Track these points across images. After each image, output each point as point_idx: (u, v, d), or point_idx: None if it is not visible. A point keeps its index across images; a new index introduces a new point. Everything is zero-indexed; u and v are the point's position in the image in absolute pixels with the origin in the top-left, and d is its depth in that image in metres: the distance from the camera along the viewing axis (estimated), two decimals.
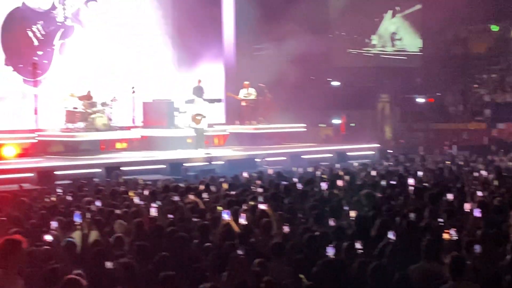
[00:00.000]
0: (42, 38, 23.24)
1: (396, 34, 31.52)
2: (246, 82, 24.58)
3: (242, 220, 9.10)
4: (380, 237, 8.30)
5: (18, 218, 9.77)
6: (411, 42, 31.93)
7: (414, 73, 31.67)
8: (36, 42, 23.13)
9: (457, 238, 8.08)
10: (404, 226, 9.00)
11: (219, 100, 23.62)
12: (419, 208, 10.16)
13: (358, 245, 7.75)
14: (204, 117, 21.17)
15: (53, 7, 23.58)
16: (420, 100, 30.83)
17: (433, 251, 7.44)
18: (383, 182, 13.75)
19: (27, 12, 23.08)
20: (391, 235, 7.99)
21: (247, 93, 24.49)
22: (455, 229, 8.20)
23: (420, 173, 15.87)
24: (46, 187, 14.78)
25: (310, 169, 17.73)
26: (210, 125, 22.18)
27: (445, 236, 8.05)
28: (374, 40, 31.13)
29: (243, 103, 24.62)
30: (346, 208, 10.41)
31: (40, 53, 23.02)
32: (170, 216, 10.05)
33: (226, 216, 9.17)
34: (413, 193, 12.00)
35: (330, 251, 7.51)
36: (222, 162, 20.34)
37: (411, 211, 9.79)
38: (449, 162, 18.99)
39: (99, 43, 24.62)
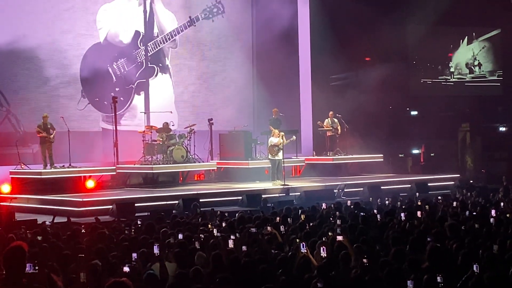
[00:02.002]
0: (121, 75, 23.79)
1: (474, 61, 30.97)
2: (331, 112, 24.50)
3: (322, 253, 9.01)
4: (462, 270, 8.08)
5: (101, 250, 9.88)
6: (490, 68, 31.32)
7: (495, 101, 31.02)
8: (114, 79, 23.69)
9: None
10: (487, 259, 8.74)
11: (296, 131, 23.60)
12: (502, 239, 9.87)
13: (438, 279, 7.56)
14: (281, 149, 21.15)
15: (136, 47, 24.16)
16: (502, 128, 30.15)
17: None
18: (465, 213, 13.43)
19: (109, 49, 23.71)
20: (475, 268, 7.76)
21: (335, 123, 24.39)
22: None
23: (502, 204, 15.45)
24: (125, 219, 14.97)
25: (389, 200, 17.48)
26: (286, 156, 22.14)
27: None
28: (452, 67, 30.69)
29: (329, 133, 24.50)
30: (428, 239, 10.20)
31: (117, 89, 23.56)
32: (244, 248, 10.01)
33: (303, 248, 9.10)
34: (495, 225, 11.69)
35: (410, 285, 7.35)
36: (299, 193, 20.27)
37: (494, 243, 9.52)
38: None
39: (177, 79, 25.07)
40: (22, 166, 20.78)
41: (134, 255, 9.32)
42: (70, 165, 20.60)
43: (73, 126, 21.26)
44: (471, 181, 24.10)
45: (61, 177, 20.32)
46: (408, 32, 29.60)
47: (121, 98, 22.89)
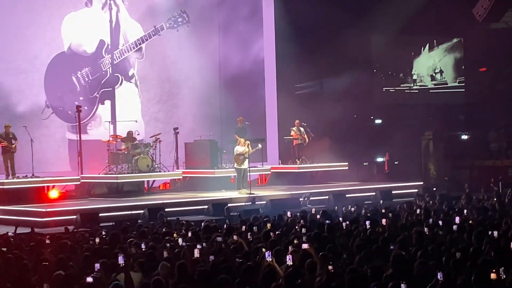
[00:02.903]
0: (85, 84, 23.62)
1: (435, 68, 31.28)
2: (297, 121, 24.59)
3: (288, 261, 9.02)
4: (425, 277, 8.16)
5: (63, 260, 9.81)
6: (452, 76, 31.63)
7: (457, 110, 31.38)
8: (78, 88, 23.52)
9: (505, 277, 7.90)
10: (450, 266, 8.84)
11: (261, 140, 23.62)
12: (465, 246, 9.99)
13: (402, 286, 7.61)
14: (247, 158, 21.19)
15: (101, 56, 24.00)
16: (464, 136, 30.51)
17: None
18: (428, 221, 13.56)
19: (73, 58, 23.54)
20: (439, 276, 7.82)
21: (303, 131, 24.47)
22: (503, 268, 8.02)
23: (465, 211, 15.64)
24: (90, 229, 14.86)
25: (353, 208, 17.59)
26: (252, 165, 22.17)
27: (492, 276, 7.87)
28: (414, 75, 30.93)
29: (299, 141, 24.56)
30: (392, 247, 10.27)
31: (81, 98, 23.36)
32: (211, 257, 9.99)
33: (268, 257, 9.10)
34: (458, 231, 11.82)
35: None
36: (265, 202, 20.29)
37: (457, 250, 9.62)
38: (495, 200, 18.68)
39: (143, 89, 24.94)
40: None
41: (97, 265, 9.25)
42: (33, 175, 20.39)
43: (37, 136, 20.99)
44: (434, 189, 24.35)
45: (24, 187, 20.08)
46: (372, 41, 29.83)
47: (85, 108, 22.68)
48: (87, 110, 22.86)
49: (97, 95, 23.96)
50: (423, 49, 31.02)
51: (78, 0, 23.82)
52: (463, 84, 31.59)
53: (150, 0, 25.14)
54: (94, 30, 24.05)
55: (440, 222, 13.28)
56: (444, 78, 31.42)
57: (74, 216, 17.57)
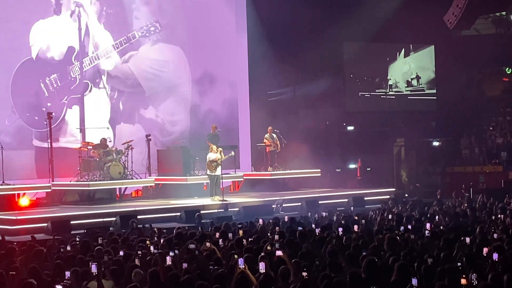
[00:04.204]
0: (54, 90, 23.40)
1: (410, 74, 31.38)
2: (270, 128, 24.61)
3: (260, 268, 8.99)
4: (398, 283, 8.18)
5: (35, 269, 9.69)
6: (427, 81, 31.72)
7: (429, 116, 31.58)
8: (46, 94, 23.30)
9: (476, 283, 7.94)
10: (422, 271, 8.87)
11: (234, 147, 23.62)
12: (437, 252, 10.03)
13: None
14: (219, 164, 21.15)
15: (70, 63, 23.79)
16: (436, 143, 30.73)
17: None
18: (400, 227, 13.61)
19: (41, 64, 23.31)
20: (414, 282, 7.84)
21: (274, 138, 24.48)
22: (475, 274, 8.06)
23: (437, 217, 15.73)
24: (61, 237, 14.70)
25: (326, 215, 17.60)
26: (225, 172, 22.13)
27: (463, 281, 7.90)
28: (390, 81, 30.99)
29: (271, 148, 24.58)
30: (364, 253, 10.29)
31: (49, 104, 23.13)
32: (185, 265, 9.93)
33: (241, 264, 9.07)
34: (430, 238, 11.88)
35: None
36: (238, 209, 20.25)
37: (429, 256, 9.66)
38: (466, 205, 18.82)
39: (114, 97, 24.76)
40: None
41: (67, 273, 9.16)
42: (3, 182, 20.18)
43: (6, 142, 20.74)
44: (406, 195, 24.49)
45: None
46: (346, 47, 29.90)
47: (53, 113, 22.40)
48: (54, 116, 22.57)
49: (65, 101, 23.74)
50: (399, 55, 31.09)
51: (46, 8, 23.59)
52: (436, 97, 31.76)
53: (120, 8, 24.96)
54: (63, 37, 23.82)
55: (411, 227, 13.36)
56: (421, 84, 31.47)
57: (45, 224, 17.40)
